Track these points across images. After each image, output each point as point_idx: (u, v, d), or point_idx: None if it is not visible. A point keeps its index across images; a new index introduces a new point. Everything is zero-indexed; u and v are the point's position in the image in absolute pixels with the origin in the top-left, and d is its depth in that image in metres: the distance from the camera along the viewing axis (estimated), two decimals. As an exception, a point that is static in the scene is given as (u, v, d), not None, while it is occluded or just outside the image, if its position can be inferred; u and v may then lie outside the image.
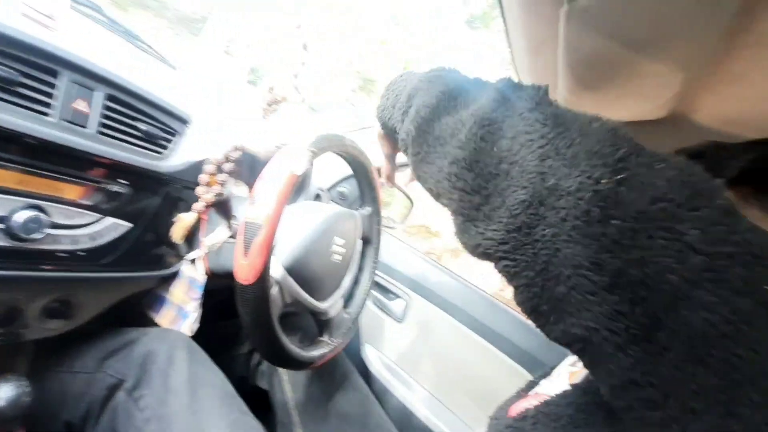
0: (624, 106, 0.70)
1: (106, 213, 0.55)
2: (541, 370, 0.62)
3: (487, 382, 0.75)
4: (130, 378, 0.61)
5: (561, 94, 0.70)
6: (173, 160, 0.62)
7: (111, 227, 0.55)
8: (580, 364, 0.45)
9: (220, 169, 0.58)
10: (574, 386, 0.37)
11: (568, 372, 0.47)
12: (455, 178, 0.30)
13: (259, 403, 0.82)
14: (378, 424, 0.76)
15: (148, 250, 0.64)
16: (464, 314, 0.95)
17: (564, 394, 0.37)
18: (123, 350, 0.64)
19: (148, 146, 0.59)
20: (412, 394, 0.90)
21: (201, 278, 0.68)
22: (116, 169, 0.55)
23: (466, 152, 0.30)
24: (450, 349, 0.93)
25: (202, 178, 0.57)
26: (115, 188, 0.55)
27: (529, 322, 0.92)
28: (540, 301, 0.26)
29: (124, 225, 0.57)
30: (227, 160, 0.56)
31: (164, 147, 0.61)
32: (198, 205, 0.61)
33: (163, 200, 0.62)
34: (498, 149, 0.28)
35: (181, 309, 0.69)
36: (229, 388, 0.65)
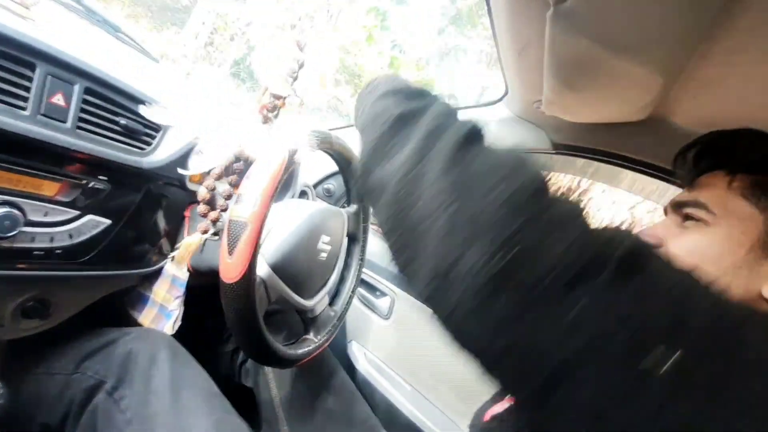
0: (605, 107, 0.71)
1: (84, 210, 0.54)
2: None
3: (471, 378, 0.76)
4: (111, 379, 0.59)
5: (546, 95, 0.71)
6: (155, 156, 0.60)
7: (89, 224, 0.54)
8: None
9: (222, 181, 0.56)
10: None
11: None
12: (387, 236, 0.31)
13: (245, 401, 0.82)
14: (363, 421, 0.77)
15: (128, 248, 0.62)
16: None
17: None
18: (102, 351, 0.63)
19: (129, 141, 0.57)
20: (398, 391, 0.91)
21: (184, 276, 0.67)
22: (95, 165, 0.53)
23: (391, 211, 0.30)
24: (435, 346, 0.93)
25: (203, 196, 0.55)
26: (94, 184, 0.54)
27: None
28: None
29: (104, 222, 0.55)
30: (232, 171, 0.55)
31: (146, 142, 0.60)
32: (204, 225, 0.59)
33: (144, 197, 0.60)
34: (414, 213, 0.29)
35: (164, 308, 0.68)
36: (213, 387, 0.64)
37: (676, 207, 0.47)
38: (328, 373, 0.81)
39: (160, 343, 0.64)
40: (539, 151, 0.87)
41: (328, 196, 1.15)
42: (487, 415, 0.49)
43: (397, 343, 0.81)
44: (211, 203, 0.56)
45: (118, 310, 0.72)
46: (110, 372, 0.60)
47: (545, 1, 0.46)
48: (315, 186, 1.15)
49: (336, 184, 1.13)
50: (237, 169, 0.55)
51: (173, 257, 0.67)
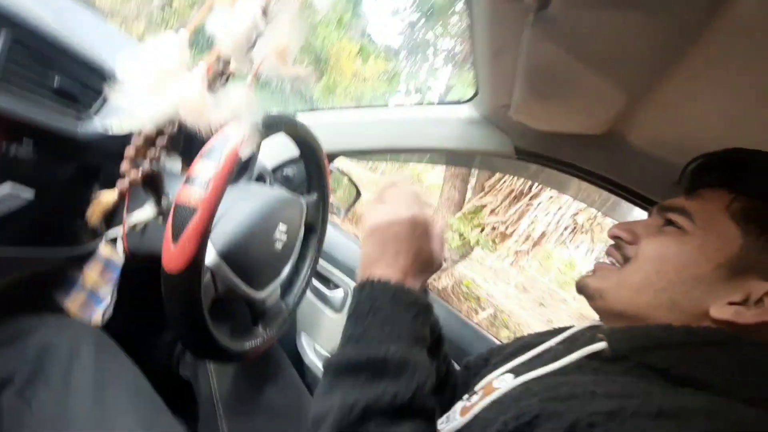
0: (570, 118, 0.73)
1: (2, 178, 0.46)
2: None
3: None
4: (21, 375, 0.52)
5: (515, 100, 0.71)
6: (93, 123, 0.53)
7: (9, 196, 0.47)
8: (474, 398, 0.48)
9: (151, 143, 0.51)
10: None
11: (460, 407, 0.49)
12: None
13: (183, 393, 0.77)
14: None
15: (55, 225, 0.55)
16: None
17: None
18: (14, 342, 0.56)
19: (63, 104, 0.50)
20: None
21: (119, 260, 0.60)
22: (19, 128, 0.46)
23: None
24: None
25: (129, 151, 0.49)
26: (17, 150, 0.46)
27: (464, 318, 0.95)
28: None
29: (26, 194, 0.48)
30: (161, 133, 0.49)
31: (83, 107, 0.53)
32: (122, 183, 0.53)
33: (77, 169, 0.53)
34: None
35: (94, 293, 0.61)
36: (144, 384, 0.59)
37: (662, 210, 0.47)
38: (274, 368, 0.78)
39: (84, 334, 0.57)
40: (502, 155, 0.88)
41: (288, 182, 1.10)
42: None
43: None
44: (135, 164, 0.51)
45: (40, 293, 0.64)
46: (21, 367, 0.53)
47: (526, 6, 0.46)
48: (274, 171, 1.09)
49: (296, 170, 1.08)
50: (167, 132, 0.50)
51: (109, 238, 0.61)
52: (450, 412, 0.50)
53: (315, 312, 1.00)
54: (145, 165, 0.52)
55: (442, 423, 0.49)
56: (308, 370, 0.93)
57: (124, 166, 0.51)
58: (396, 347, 0.36)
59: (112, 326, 0.63)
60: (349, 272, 1.02)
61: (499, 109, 0.80)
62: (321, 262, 1.01)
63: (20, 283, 0.58)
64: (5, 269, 0.56)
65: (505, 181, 3.55)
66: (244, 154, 0.47)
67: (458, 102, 0.89)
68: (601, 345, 0.41)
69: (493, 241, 3.64)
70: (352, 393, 0.34)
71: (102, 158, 0.57)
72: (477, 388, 0.50)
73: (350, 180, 1.22)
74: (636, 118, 0.65)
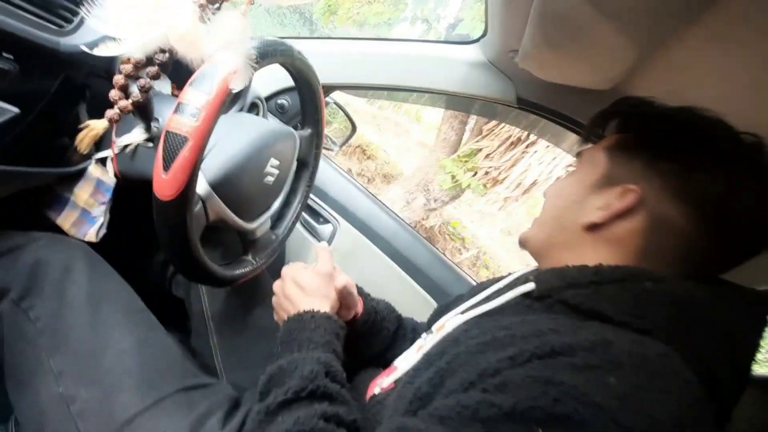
0: (577, 71, 0.71)
1: (-17, 92, 0.44)
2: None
3: (400, 308, 0.82)
4: (16, 288, 0.54)
5: (524, 46, 0.68)
6: (76, 37, 0.50)
7: (-7, 109, 0.45)
8: (430, 336, 0.53)
9: (142, 72, 0.48)
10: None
11: (417, 345, 0.55)
12: None
13: (176, 310, 0.81)
14: (294, 339, 0.80)
15: (43, 143, 0.54)
16: (387, 245, 1.00)
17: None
18: (5, 257, 0.56)
19: (43, 15, 0.47)
20: (330, 313, 0.96)
21: (110, 181, 0.60)
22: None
23: None
24: (370, 275, 0.98)
25: (117, 80, 0.47)
26: (-4, 62, 0.44)
27: (444, 258, 1.00)
28: None
29: (10, 110, 0.46)
30: (151, 62, 0.46)
31: (65, 19, 0.49)
32: (112, 112, 0.51)
33: (62, 85, 0.51)
34: None
35: (87, 212, 0.62)
36: (137, 302, 0.61)
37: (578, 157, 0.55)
38: (263, 292, 0.81)
39: (76, 253, 0.58)
40: (503, 102, 0.86)
41: (281, 112, 1.06)
42: (371, 389, 0.53)
43: (335, 269, 0.84)
44: (125, 91, 0.49)
45: (31, 210, 0.64)
46: (15, 280, 0.54)
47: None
48: (268, 100, 1.05)
49: (291, 101, 1.05)
50: (159, 61, 0.48)
51: (97, 159, 0.60)
52: (408, 351, 0.56)
53: (304, 244, 1.03)
54: (135, 93, 0.50)
55: (400, 360, 0.54)
56: (295, 297, 0.99)
57: (114, 94, 0.49)
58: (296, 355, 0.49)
59: (105, 246, 0.65)
60: (340, 208, 1.04)
61: (505, 55, 0.77)
62: (312, 196, 1.02)
63: (11, 200, 0.58)
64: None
65: (503, 127, 3.48)
66: (237, 86, 0.45)
67: (464, 42, 0.85)
68: (530, 286, 0.46)
69: (485, 186, 3.66)
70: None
71: (87, 76, 0.54)
72: (434, 327, 0.55)
73: (346, 114, 1.19)
74: (642, 77, 0.64)
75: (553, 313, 0.43)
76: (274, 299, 0.62)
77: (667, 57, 0.56)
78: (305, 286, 0.58)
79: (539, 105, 0.83)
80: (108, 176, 0.60)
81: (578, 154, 0.54)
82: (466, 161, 3.61)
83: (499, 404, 0.31)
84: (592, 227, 0.45)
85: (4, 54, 0.43)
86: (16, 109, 0.46)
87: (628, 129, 0.50)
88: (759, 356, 0.41)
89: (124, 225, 0.72)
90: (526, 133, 3.43)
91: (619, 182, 0.45)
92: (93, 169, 0.60)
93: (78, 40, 0.50)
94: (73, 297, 0.54)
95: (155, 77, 0.49)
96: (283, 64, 0.62)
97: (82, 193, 0.61)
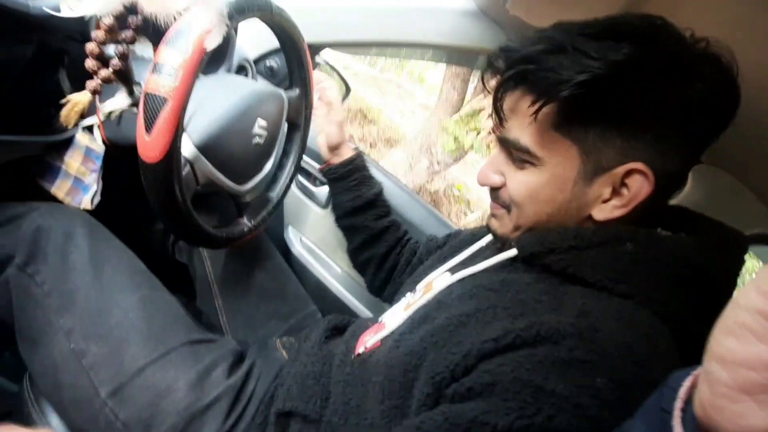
0: (569, 14, 0.67)
1: (-42, 59, 0.44)
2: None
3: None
4: (20, 254, 0.56)
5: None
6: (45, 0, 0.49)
7: (-32, 78, 0.45)
8: (417, 295, 0.53)
9: (115, 36, 0.46)
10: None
11: (405, 304, 0.55)
12: None
13: (181, 275, 0.84)
14: (295, 297, 0.83)
15: (27, 112, 0.54)
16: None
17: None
18: (7, 226, 0.58)
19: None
20: (328, 272, 0.98)
21: (99, 148, 0.61)
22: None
23: None
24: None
25: (91, 49, 0.45)
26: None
27: (446, 220, 1.00)
28: None
29: (-13, 76, 0.46)
30: (125, 26, 0.45)
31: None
32: (93, 83, 0.50)
33: (38, 50, 0.50)
34: None
35: (79, 180, 0.63)
36: (138, 264, 0.63)
37: (503, 143, 0.46)
38: (263, 255, 0.84)
39: (75, 219, 0.60)
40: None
41: (271, 75, 1.04)
42: (359, 344, 0.54)
43: (332, 230, 0.85)
44: (102, 59, 0.48)
45: (27, 181, 0.66)
46: (18, 247, 0.56)
47: None
48: (256, 62, 1.03)
49: (280, 62, 1.02)
50: (132, 24, 0.47)
51: (84, 126, 0.60)
52: (395, 306, 0.57)
53: (302, 207, 1.04)
54: (115, 61, 0.49)
55: (388, 316, 0.56)
56: (295, 260, 1.01)
57: (90, 64, 0.48)
58: None
59: (105, 216, 0.66)
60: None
61: (496, 1, 0.74)
62: (307, 159, 1.02)
63: (6, 172, 0.59)
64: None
65: (507, 83, 3.37)
66: (212, 43, 0.45)
67: (454, -11, 0.81)
68: (512, 252, 0.45)
69: (488, 146, 3.61)
70: None
71: (63, 40, 0.53)
72: (419, 286, 0.57)
73: (338, 74, 1.16)
74: (647, 10, 0.61)
75: (535, 274, 0.43)
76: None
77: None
78: None
79: (532, 54, 0.80)
80: (96, 144, 0.61)
81: (508, 143, 0.45)
82: (468, 122, 3.54)
83: (493, 423, 0.31)
84: (608, 221, 0.43)
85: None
86: (-6, 77, 0.46)
87: (557, 95, 0.38)
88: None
89: (120, 194, 0.73)
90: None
91: (607, 165, 0.41)
92: (80, 137, 0.60)
93: (46, 2, 0.49)
94: (76, 260, 0.56)
95: (131, 41, 0.48)
96: (262, 20, 0.60)
97: (72, 161, 0.62)
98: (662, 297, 0.39)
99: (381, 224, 0.78)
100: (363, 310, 0.95)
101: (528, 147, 0.42)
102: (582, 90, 0.37)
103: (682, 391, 0.20)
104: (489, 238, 0.57)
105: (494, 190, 0.49)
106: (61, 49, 0.55)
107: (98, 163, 0.62)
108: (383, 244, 0.79)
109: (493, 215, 0.51)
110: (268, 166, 0.73)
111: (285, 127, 0.77)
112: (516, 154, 0.45)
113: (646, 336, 0.36)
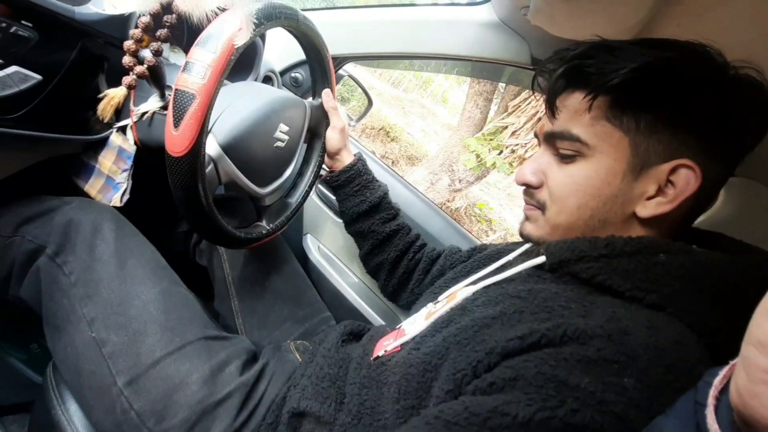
0: (591, 24, 0.68)
1: (8, 60, 0.48)
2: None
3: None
4: (52, 245, 0.59)
5: (535, 1, 0.66)
6: (92, 6, 0.53)
7: (16, 77, 0.49)
8: (438, 305, 0.52)
9: (152, 35, 0.50)
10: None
11: (426, 313, 0.54)
12: None
13: (201, 277, 0.86)
14: (310, 303, 0.83)
15: (66, 111, 0.57)
16: (407, 219, 1.00)
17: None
18: (41, 217, 0.61)
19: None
20: (345, 280, 0.98)
21: (130, 149, 0.64)
22: (17, 7, 0.46)
23: None
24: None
25: (128, 46, 0.49)
26: (18, 30, 0.47)
27: (467, 233, 0.99)
28: None
29: (33, 77, 0.50)
30: (159, 24, 0.48)
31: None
32: (129, 79, 0.54)
33: (80, 54, 0.54)
34: None
35: (111, 179, 0.66)
36: (160, 260, 0.65)
37: (550, 139, 0.47)
38: (280, 260, 0.85)
39: (104, 214, 0.63)
40: (517, 64, 0.84)
41: (296, 86, 1.08)
42: (377, 350, 0.54)
43: (350, 239, 0.85)
44: (137, 57, 0.52)
45: (62, 178, 0.69)
46: (51, 238, 0.59)
47: None
48: (282, 73, 1.07)
49: (305, 74, 1.06)
50: (167, 22, 0.50)
51: (117, 127, 0.63)
52: (416, 315, 0.56)
53: (321, 215, 1.05)
54: (149, 58, 0.53)
55: (408, 323, 0.55)
56: (312, 266, 1.01)
57: (127, 60, 0.52)
58: None
59: (132, 215, 0.69)
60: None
61: (517, 12, 0.75)
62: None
63: (44, 169, 0.63)
64: (26, 149, 0.60)
65: (530, 102, 3.36)
66: (240, 42, 0.47)
67: (475, 3, 0.83)
68: (540, 259, 0.45)
69: (510, 164, 3.58)
70: None
71: (104, 47, 0.57)
72: (441, 297, 0.56)
73: (361, 87, 1.19)
74: (662, 24, 0.60)
75: (563, 284, 0.43)
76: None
77: (686, 1, 0.53)
78: None
79: (555, 64, 0.80)
80: (128, 144, 0.64)
81: (557, 136, 0.45)
82: (491, 140, 3.53)
83: (513, 414, 0.30)
84: (652, 219, 0.42)
85: (24, 22, 0.46)
86: (38, 76, 0.50)
87: (612, 89, 0.41)
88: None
89: (148, 195, 0.76)
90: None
91: (655, 159, 0.41)
92: (114, 138, 0.64)
93: (91, 9, 0.53)
94: (102, 252, 0.59)
95: (166, 40, 0.51)
96: (288, 29, 0.63)
97: (105, 161, 0.65)
98: (696, 310, 0.37)
99: (388, 228, 0.78)
100: (377, 320, 0.94)
101: (579, 135, 0.43)
102: (633, 76, 0.39)
103: (717, 380, 0.19)
104: (517, 252, 0.56)
105: (529, 190, 0.49)
106: (102, 55, 0.58)
107: (129, 163, 0.65)
108: (393, 249, 0.79)
109: (526, 218, 0.50)
110: (288, 171, 0.75)
111: (305, 135, 0.79)
112: (563, 148, 0.45)
113: (678, 344, 0.34)
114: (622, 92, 0.41)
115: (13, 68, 0.48)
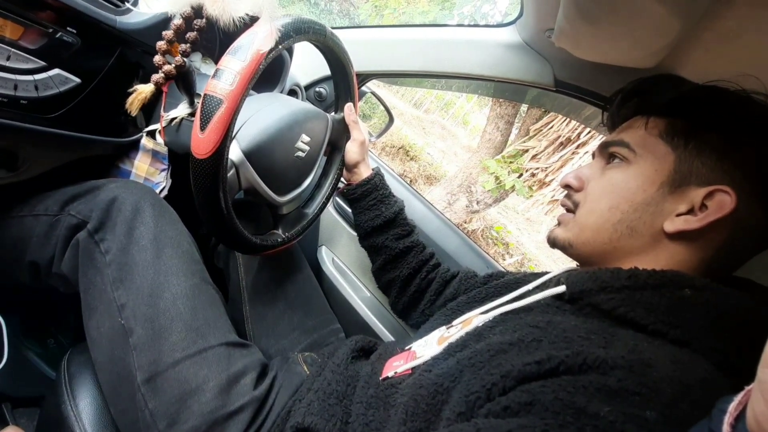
0: (615, 48, 0.68)
1: (51, 62, 0.51)
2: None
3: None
4: (93, 220, 0.58)
5: (559, 23, 0.66)
6: (131, 17, 0.56)
7: (57, 79, 0.51)
8: (452, 330, 0.51)
9: (182, 38, 0.53)
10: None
11: (438, 336, 0.53)
12: None
13: (216, 280, 0.87)
14: (320, 313, 0.83)
15: (101, 113, 0.60)
16: (423, 236, 1.00)
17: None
18: (87, 194, 0.62)
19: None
20: (357, 294, 0.97)
21: (163, 150, 0.66)
22: (64, 14, 0.50)
23: None
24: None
25: (160, 45, 0.52)
26: (62, 36, 0.50)
27: (484, 253, 0.98)
28: None
29: (73, 79, 0.53)
30: (190, 28, 0.51)
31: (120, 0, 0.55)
32: (157, 76, 0.56)
33: (118, 61, 0.57)
34: None
35: (149, 181, 0.68)
36: (195, 254, 0.64)
37: (603, 148, 0.51)
38: (294, 268, 0.85)
39: (147, 196, 0.62)
40: (541, 86, 0.84)
41: (320, 100, 1.11)
42: (386, 369, 0.53)
43: (365, 253, 0.85)
44: (166, 56, 0.55)
45: (97, 177, 0.72)
46: (93, 214, 0.59)
47: None
48: (307, 88, 1.10)
49: (329, 89, 1.08)
50: (197, 26, 0.53)
51: (147, 131, 0.66)
52: (428, 338, 0.55)
53: (337, 228, 1.06)
54: (178, 58, 0.55)
55: (420, 346, 0.54)
56: (325, 278, 1.01)
57: (157, 58, 0.54)
58: None
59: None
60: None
61: (541, 34, 0.75)
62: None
63: (81, 174, 0.65)
64: (62, 148, 0.63)
65: (552, 126, 3.35)
66: (266, 47, 0.48)
67: (500, 24, 0.84)
68: (561, 288, 0.44)
69: (530, 188, 3.54)
70: None
71: (141, 55, 0.60)
72: (456, 322, 0.55)
73: (383, 103, 1.21)
74: (689, 50, 0.60)
75: (583, 317, 0.41)
76: None
77: (715, 27, 0.52)
78: None
79: (578, 87, 0.80)
80: (161, 146, 0.66)
81: (608, 144, 0.50)
82: (511, 162, 3.52)
83: None
84: (678, 234, 0.42)
85: (69, 28, 0.49)
86: (77, 79, 0.53)
87: (669, 112, 0.47)
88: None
89: (170, 199, 0.78)
90: (576, 133, 3.28)
91: (695, 180, 0.43)
92: (146, 141, 0.66)
93: (131, 19, 0.56)
94: (140, 236, 0.58)
95: (195, 42, 0.54)
96: (315, 43, 0.65)
97: (141, 164, 0.67)
98: (723, 348, 0.36)
99: (402, 244, 0.78)
100: (388, 336, 0.93)
101: (629, 142, 0.47)
102: (690, 96, 0.46)
103: (732, 407, 0.18)
104: (536, 282, 0.55)
105: (569, 193, 0.52)
106: (138, 63, 0.61)
107: (166, 163, 0.67)
108: (405, 266, 0.78)
109: (558, 224, 0.52)
110: (307, 182, 0.76)
111: (326, 147, 0.81)
112: (613, 150, 0.49)
113: (705, 381, 0.33)
114: (676, 112, 0.45)
115: (56, 71, 0.51)
